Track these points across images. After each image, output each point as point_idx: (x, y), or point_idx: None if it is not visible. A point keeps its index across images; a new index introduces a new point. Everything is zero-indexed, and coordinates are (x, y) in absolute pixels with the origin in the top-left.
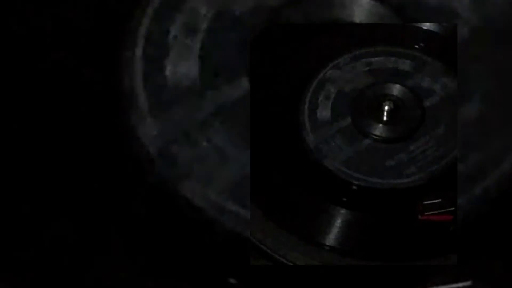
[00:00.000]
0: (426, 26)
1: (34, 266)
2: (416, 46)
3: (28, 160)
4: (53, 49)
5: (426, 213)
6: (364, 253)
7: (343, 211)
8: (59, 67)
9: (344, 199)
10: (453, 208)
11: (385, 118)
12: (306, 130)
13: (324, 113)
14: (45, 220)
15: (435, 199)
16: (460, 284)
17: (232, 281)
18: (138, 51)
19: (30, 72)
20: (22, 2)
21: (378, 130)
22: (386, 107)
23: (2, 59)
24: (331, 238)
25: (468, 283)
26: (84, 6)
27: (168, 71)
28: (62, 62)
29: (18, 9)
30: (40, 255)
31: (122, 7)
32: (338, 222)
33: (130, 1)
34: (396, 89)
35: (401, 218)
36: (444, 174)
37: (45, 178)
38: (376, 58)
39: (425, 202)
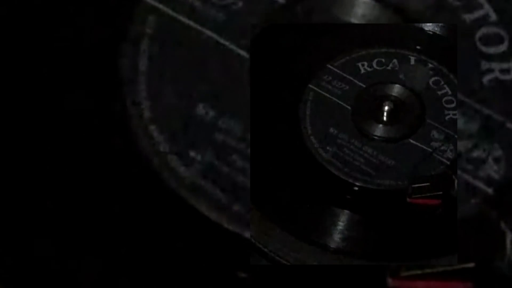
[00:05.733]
0: (426, 26)
1: (33, 267)
2: (418, 47)
3: (28, 159)
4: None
5: (414, 196)
6: (364, 253)
7: (343, 211)
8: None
9: (345, 199)
10: (441, 192)
11: (385, 118)
12: (306, 130)
13: (324, 113)
14: (43, 219)
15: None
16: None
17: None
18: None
19: (31, 71)
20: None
21: (378, 130)
22: (386, 107)
23: (4, 60)
24: (331, 238)
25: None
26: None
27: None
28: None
29: (17, 10)
30: (40, 255)
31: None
32: (338, 222)
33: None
34: (396, 89)
35: (402, 218)
36: (444, 174)
37: (43, 177)
38: (376, 59)
39: (414, 185)
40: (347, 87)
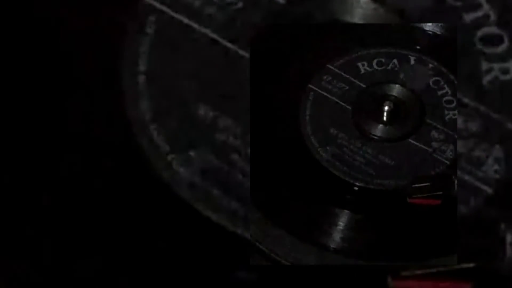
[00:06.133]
0: (426, 26)
1: (33, 267)
2: (418, 47)
3: (28, 159)
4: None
5: (414, 196)
6: (364, 253)
7: (343, 211)
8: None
9: (345, 199)
10: (441, 192)
11: (385, 118)
12: (306, 130)
13: (324, 113)
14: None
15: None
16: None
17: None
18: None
19: (30, 71)
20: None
21: (378, 130)
22: (386, 107)
23: (4, 61)
24: (331, 238)
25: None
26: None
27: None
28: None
29: (17, 10)
30: (40, 255)
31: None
32: (338, 222)
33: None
34: (396, 89)
35: (402, 218)
36: (444, 174)
37: (43, 177)
38: (376, 59)
39: (413, 185)
40: (347, 87)
